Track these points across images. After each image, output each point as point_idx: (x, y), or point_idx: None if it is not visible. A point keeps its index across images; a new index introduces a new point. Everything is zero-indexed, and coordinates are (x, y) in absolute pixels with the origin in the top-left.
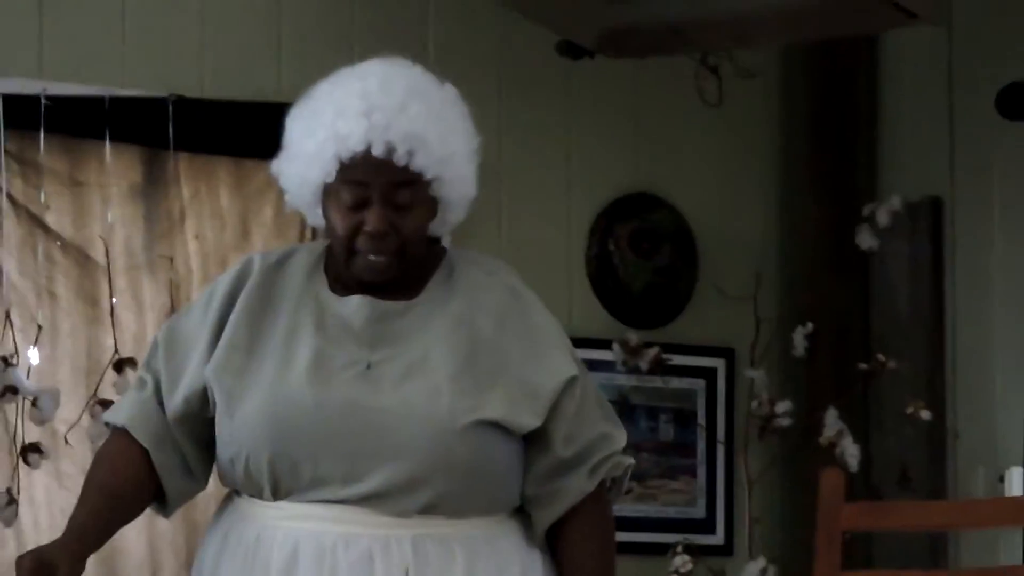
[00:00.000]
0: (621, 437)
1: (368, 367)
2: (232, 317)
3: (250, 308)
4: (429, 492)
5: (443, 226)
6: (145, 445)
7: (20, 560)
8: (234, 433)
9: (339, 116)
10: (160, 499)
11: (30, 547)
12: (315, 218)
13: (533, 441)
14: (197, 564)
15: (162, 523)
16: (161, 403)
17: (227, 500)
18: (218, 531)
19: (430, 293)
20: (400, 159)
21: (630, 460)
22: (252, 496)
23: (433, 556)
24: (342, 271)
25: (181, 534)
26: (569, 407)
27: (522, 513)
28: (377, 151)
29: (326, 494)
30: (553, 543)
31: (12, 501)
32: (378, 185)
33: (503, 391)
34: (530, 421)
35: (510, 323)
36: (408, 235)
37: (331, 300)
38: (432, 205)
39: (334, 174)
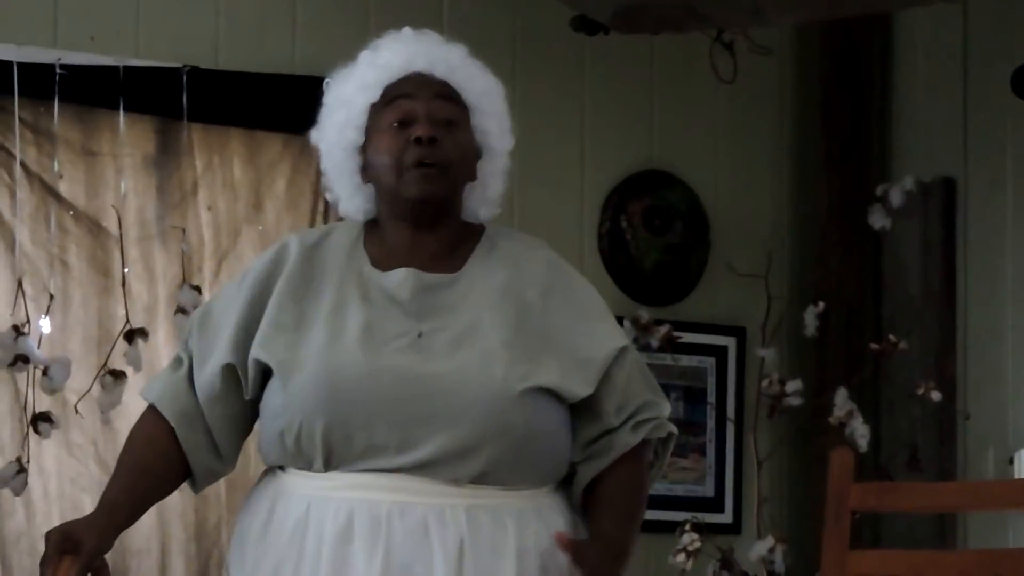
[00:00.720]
0: (666, 406)
1: (420, 336)
2: (274, 299)
3: (292, 288)
4: (483, 459)
5: (483, 202)
6: (171, 422)
7: (48, 534)
8: (288, 403)
9: (377, 52)
10: (192, 475)
11: (39, 516)
12: (354, 198)
13: (582, 410)
14: (238, 539)
15: (171, 495)
16: (192, 382)
17: (267, 475)
18: (261, 505)
19: (473, 266)
20: (441, 74)
21: (674, 428)
22: (300, 469)
23: (486, 527)
24: (391, 209)
25: (190, 506)
26: (620, 377)
27: (566, 485)
28: (419, 66)
29: (380, 463)
30: (585, 494)
31: (22, 470)
32: (423, 96)
33: (554, 359)
34: (582, 389)
35: (556, 294)
36: (452, 149)
37: (374, 274)
38: (472, 137)
39: (379, 95)
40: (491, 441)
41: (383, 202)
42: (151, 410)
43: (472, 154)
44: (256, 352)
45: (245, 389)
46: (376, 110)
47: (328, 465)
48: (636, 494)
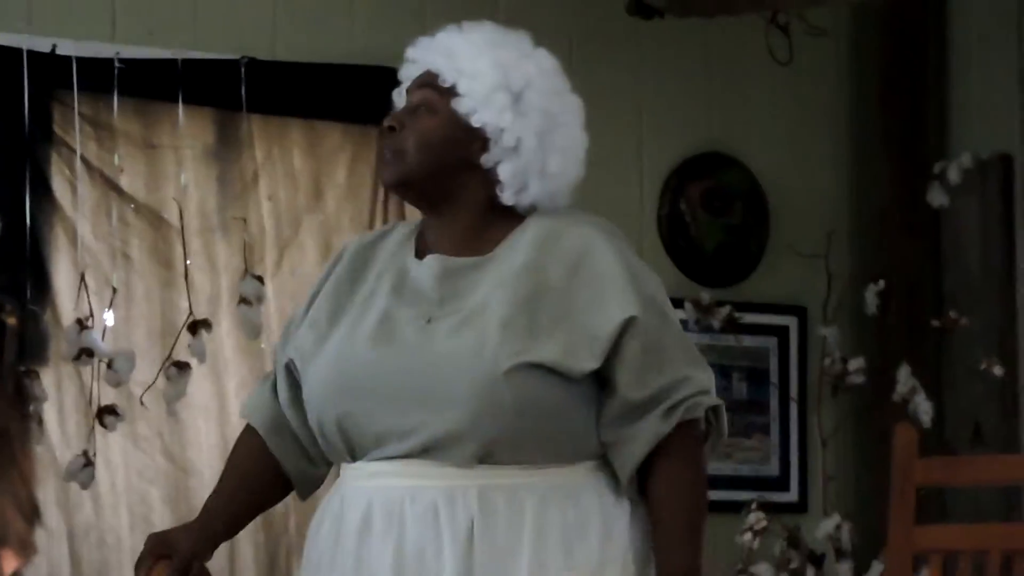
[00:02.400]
0: (704, 378)
1: (428, 321)
2: (320, 296)
3: (336, 286)
4: (480, 439)
5: (503, 185)
6: (260, 432)
7: (147, 537)
8: (309, 399)
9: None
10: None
11: (107, 510)
12: None
13: (603, 386)
14: (308, 540)
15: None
16: (276, 390)
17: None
18: (322, 503)
19: (503, 248)
20: (426, 61)
21: (715, 400)
22: (342, 462)
23: (501, 507)
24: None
25: None
26: (631, 348)
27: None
28: (411, 56)
29: (390, 450)
30: (642, 494)
31: (88, 463)
32: (410, 88)
33: (563, 336)
34: (586, 363)
35: (584, 269)
36: (409, 134)
37: (411, 264)
38: (449, 120)
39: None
40: (484, 421)
41: None
42: (248, 423)
43: (446, 136)
44: (288, 351)
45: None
46: None
47: (353, 456)
48: (689, 496)
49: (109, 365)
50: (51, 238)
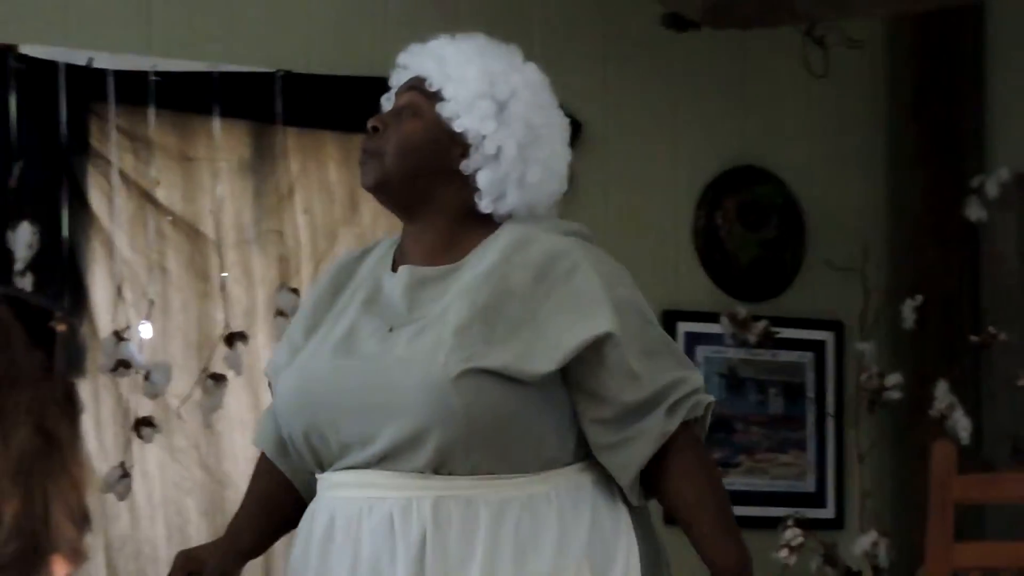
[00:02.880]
0: (698, 378)
1: (390, 330)
2: (297, 316)
3: (317, 302)
4: (432, 447)
5: (481, 193)
6: (268, 454)
7: (176, 555)
8: (277, 413)
9: None
10: None
11: (143, 521)
12: None
13: (581, 394)
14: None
15: None
16: None
17: None
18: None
19: (473, 256)
20: (414, 65)
21: (710, 397)
22: (316, 473)
23: (455, 518)
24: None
25: None
26: (614, 357)
27: (593, 472)
28: (401, 61)
29: (352, 459)
30: (661, 500)
31: (125, 475)
32: (398, 92)
33: (520, 342)
34: (540, 367)
35: (550, 280)
36: (391, 135)
37: (386, 277)
38: (433, 124)
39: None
40: (435, 427)
41: None
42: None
43: (428, 139)
44: (267, 369)
45: None
46: None
47: (322, 467)
48: (717, 490)
49: (146, 377)
50: (88, 251)
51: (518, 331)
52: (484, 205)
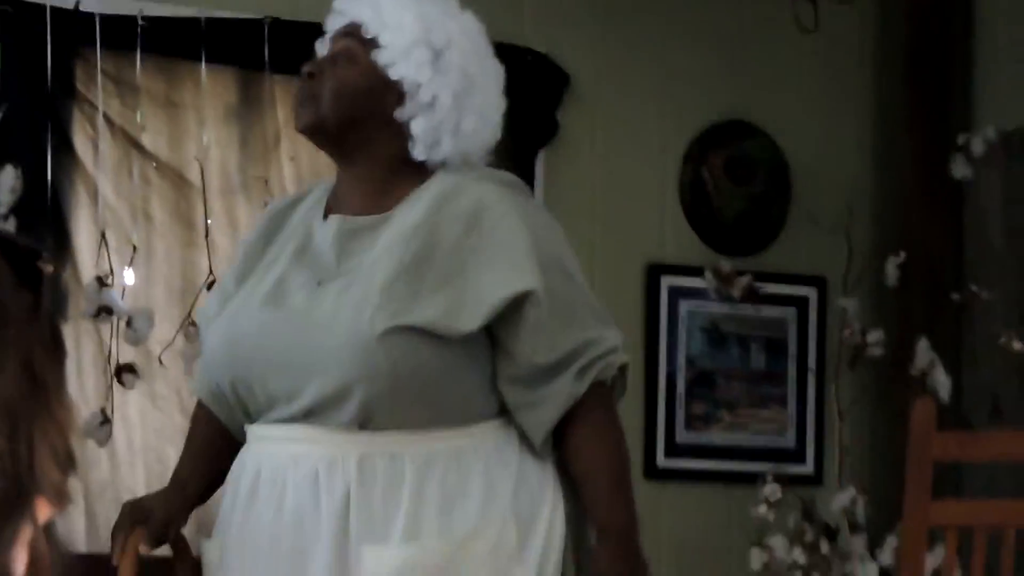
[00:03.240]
0: (612, 336)
1: (319, 284)
2: (232, 265)
3: (248, 250)
4: (357, 402)
5: (416, 140)
6: (204, 402)
7: (123, 505)
8: (205, 363)
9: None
10: None
11: (123, 468)
12: None
13: (499, 350)
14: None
15: None
16: None
17: None
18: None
19: (403, 206)
20: (351, 12)
21: (624, 358)
22: (245, 424)
23: (380, 474)
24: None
25: None
26: (532, 315)
27: (513, 425)
28: (336, 6)
29: (279, 413)
30: (563, 457)
31: (106, 421)
32: (334, 37)
33: (446, 298)
34: (466, 325)
35: (478, 231)
36: (326, 81)
37: (317, 226)
38: (368, 71)
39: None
40: (360, 384)
41: None
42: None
43: (363, 86)
44: (198, 315)
45: None
46: None
47: (249, 419)
48: (614, 453)
49: (128, 323)
50: (72, 195)
51: (445, 286)
52: (418, 153)
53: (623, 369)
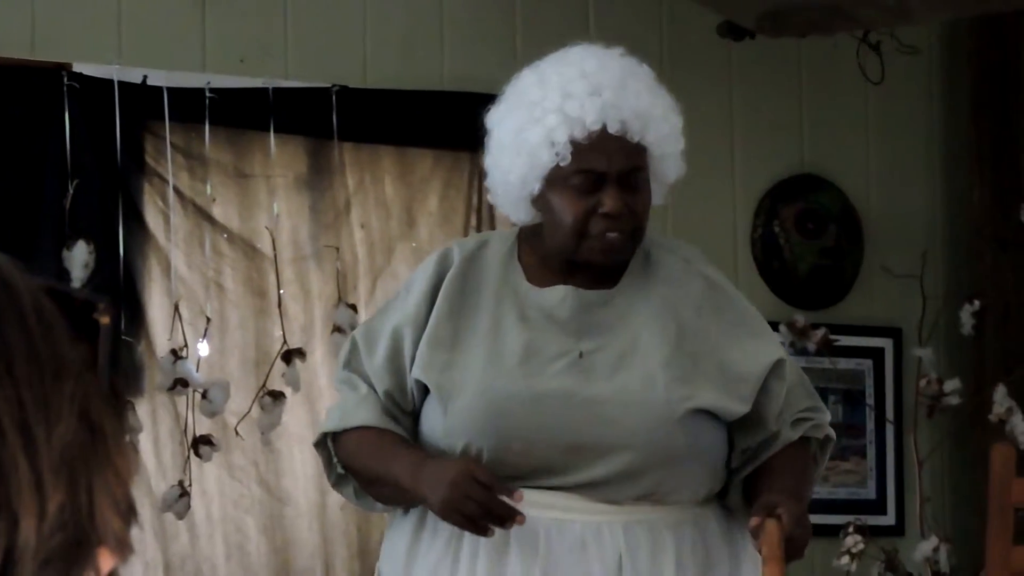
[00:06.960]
0: (825, 413)
1: (580, 356)
2: (434, 313)
3: (450, 302)
4: (649, 481)
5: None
6: (377, 425)
7: (467, 470)
8: (450, 427)
9: (567, 99)
10: None
11: (202, 540)
12: (520, 213)
13: (742, 423)
14: (390, 553)
15: (334, 513)
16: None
17: None
18: (408, 519)
19: (629, 281)
20: (634, 135)
21: (832, 433)
22: None
23: (644, 542)
24: (557, 256)
25: (353, 523)
26: (777, 388)
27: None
28: (613, 128)
29: (540, 481)
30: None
31: (184, 494)
32: (614, 165)
33: (710, 379)
34: (739, 407)
35: (710, 312)
36: (641, 215)
37: (530, 291)
38: (650, 185)
39: (568, 157)
40: (657, 464)
41: (551, 243)
42: (358, 429)
43: (651, 199)
44: (416, 372)
45: (405, 403)
46: (567, 164)
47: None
48: (803, 471)
49: (204, 395)
50: (145, 269)
51: (700, 367)
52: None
53: (825, 446)
